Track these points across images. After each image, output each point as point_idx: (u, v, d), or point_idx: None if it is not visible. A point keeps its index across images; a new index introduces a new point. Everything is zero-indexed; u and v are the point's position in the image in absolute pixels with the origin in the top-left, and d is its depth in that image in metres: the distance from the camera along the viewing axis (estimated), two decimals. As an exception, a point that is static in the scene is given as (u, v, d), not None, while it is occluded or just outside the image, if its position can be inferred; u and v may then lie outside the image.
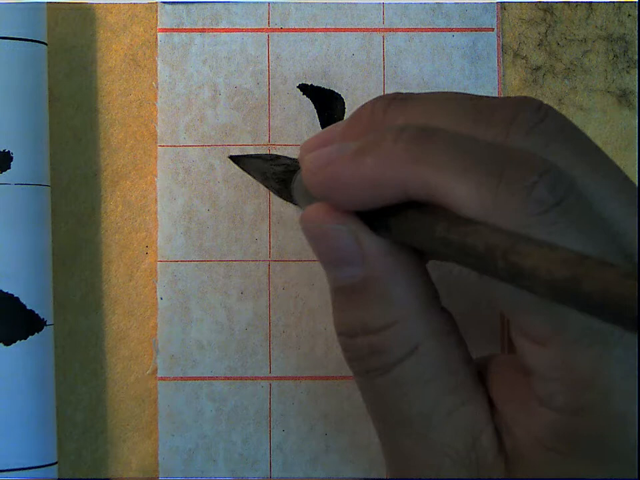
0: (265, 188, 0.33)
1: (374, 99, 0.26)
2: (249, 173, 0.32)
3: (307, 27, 0.34)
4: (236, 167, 0.33)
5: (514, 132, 0.23)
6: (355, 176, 0.24)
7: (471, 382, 0.25)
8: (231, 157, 0.33)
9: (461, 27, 0.34)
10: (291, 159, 0.30)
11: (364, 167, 0.23)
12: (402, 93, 0.26)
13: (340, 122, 0.27)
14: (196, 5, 0.34)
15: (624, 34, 0.34)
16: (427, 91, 0.33)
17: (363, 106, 0.26)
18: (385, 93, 0.34)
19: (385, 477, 0.33)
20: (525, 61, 0.34)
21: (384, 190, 0.23)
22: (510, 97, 0.25)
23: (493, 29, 0.34)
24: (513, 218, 0.21)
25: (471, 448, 0.24)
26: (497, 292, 0.23)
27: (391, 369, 0.25)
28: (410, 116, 0.25)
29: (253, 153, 0.34)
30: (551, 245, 0.20)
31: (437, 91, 0.30)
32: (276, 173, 0.30)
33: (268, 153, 0.34)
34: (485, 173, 0.22)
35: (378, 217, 0.24)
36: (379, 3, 0.34)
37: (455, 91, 0.29)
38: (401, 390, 0.25)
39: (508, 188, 0.22)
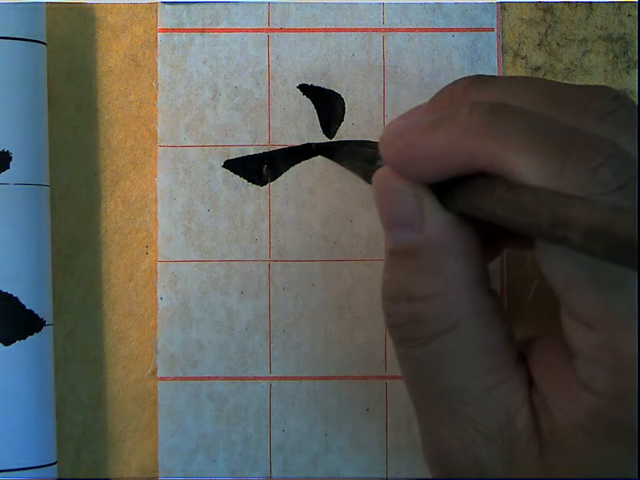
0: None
1: (456, 80, 0.27)
2: (334, 158, 0.33)
3: (307, 27, 0.34)
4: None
5: (586, 118, 0.24)
6: (426, 146, 0.24)
7: (510, 363, 0.25)
8: (317, 145, 0.33)
9: (461, 27, 0.34)
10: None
11: (436, 137, 0.24)
12: (484, 75, 0.27)
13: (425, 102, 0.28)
14: (196, 4, 0.34)
15: (624, 34, 0.34)
16: (427, 90, 0.33)
17: (445, 86, 0.27)
18: (385, 93, 0.34)
19: (385, 477, 0.33)
20: (525, 61, 0.34)
21: (453, 161, 0.24)
22: (588, 85, 0.25)
23: (493, 29, 0.34)
24: None
25: (504, 427, 0.24)
26: (553, 270, 0.23)
27: (430, 340, 0.25)
28: (488, 95, 0.25)
29: (253, 153, 0.34)
30: (594, 201, 0.20)
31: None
32: (365, 154, 0.30)
33: (268, 149, 0.34)
34: (552, 150, 0.22)
35: (447, 190, 0.25)
36: (379, 3, 0.34)
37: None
38: (438, 363, 0.25)
39: (573, 167, 0.22)
